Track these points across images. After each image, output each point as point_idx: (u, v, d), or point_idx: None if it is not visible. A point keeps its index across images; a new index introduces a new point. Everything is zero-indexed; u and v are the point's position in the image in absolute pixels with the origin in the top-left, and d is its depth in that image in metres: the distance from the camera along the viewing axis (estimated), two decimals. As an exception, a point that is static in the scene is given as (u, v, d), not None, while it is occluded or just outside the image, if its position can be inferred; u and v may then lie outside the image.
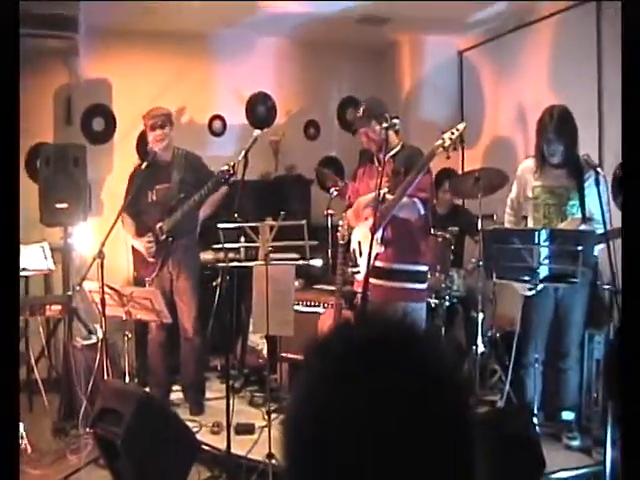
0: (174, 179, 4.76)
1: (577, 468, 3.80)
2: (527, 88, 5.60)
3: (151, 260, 4.75)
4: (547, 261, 3.62)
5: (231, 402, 3.71)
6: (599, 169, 3.66)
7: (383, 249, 3.81)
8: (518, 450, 3.03)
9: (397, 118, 3.89)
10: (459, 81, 6.59)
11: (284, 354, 4.86)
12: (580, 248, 3.50)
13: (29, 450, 4.12)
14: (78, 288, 4.49)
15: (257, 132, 4.08)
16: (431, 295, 4.81)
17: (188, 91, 6.27)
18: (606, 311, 3.86)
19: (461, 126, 3.60)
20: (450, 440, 0.76)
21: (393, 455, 0.73)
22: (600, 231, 3.56)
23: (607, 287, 3.64)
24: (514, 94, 5.82)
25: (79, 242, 5.50)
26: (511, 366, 4.14)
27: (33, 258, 5.03)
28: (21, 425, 3.86)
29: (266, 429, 3.86)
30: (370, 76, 6.87)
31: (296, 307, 4.21)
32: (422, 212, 3.84)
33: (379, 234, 3.72)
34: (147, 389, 4.62)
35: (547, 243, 3.62)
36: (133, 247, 4.87)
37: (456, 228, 5.12)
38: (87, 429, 3.87)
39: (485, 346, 4.74)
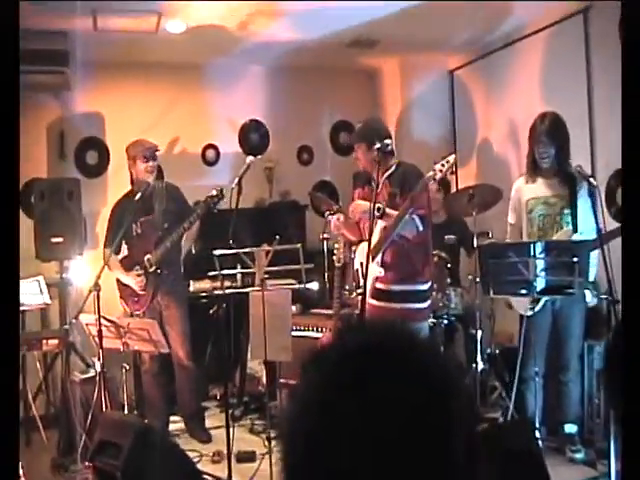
0: (157, 210, 4.77)
1: (582, 481, 3.76)
2: (518, 104, 5.63)
3: (142, 293, 4.73)
4: (543, 273, 3.61)
5: (231, 430, 3.68)
6: (591, 179, 3.68)
7: (383, 272, 3.80)
8: (521, 465, 2.98)
9: (389, 138, 3.90)
10: (450, 100, 6.62)
11: (283, 380, 4.81)
12: (576, 259, 3.50)
13: (28, 487, 4.06)
14: (74, 321, 4.45)
15: (250, 159, 4.08)
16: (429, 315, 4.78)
17: (180, 121, 6.30)
18: (605, 321, 3.83)
19: (451, 158, 3.60)
20: (451, 449, 0.75)
21: (391, 463, 0.72)
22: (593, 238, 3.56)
23: (604, 297, 3.62)
24: (505, 111, 5.85)
25: (75, 276, 5.47)
26: (515, 384, 4.09)
27: (29, 293, 5.01)
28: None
29: (267, 456, 3.82)
30: (362, 99, 6.90)
31: (294, 332, 4.19)
32: (420, 229, 3.83)
33: (379, 257, 3.72)
34: (146, 420, 4.57)
35: (543, 255, 3.62)
36: (119, 281, 4.83)
37: (453, 237, 5.09)
38: (86, 463, 3.82)
39: (485, 363, 4.71)
